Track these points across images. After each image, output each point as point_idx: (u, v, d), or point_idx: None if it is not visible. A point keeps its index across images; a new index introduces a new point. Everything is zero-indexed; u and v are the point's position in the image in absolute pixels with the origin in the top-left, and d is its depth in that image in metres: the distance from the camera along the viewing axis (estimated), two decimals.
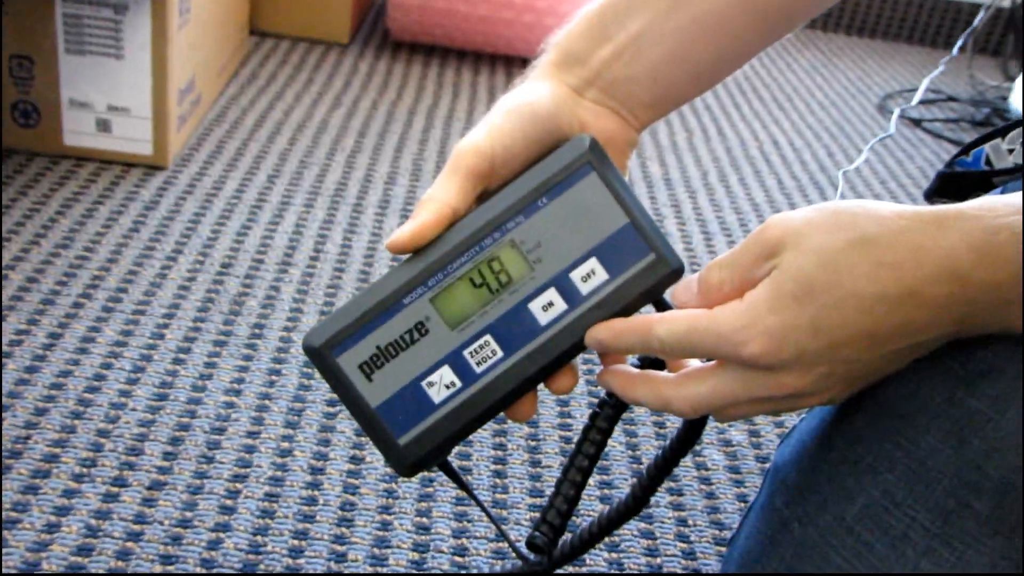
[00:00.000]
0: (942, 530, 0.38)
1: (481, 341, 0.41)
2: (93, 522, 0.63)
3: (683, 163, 1.31)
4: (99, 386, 0.75)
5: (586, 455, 0.44)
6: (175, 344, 0.81)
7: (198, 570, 0.60)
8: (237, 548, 0.62)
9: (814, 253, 0.36)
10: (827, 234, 0.36)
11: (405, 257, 0.42)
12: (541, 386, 0.43)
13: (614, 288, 0.41)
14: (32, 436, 0.69)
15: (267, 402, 0.76)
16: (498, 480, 0.72)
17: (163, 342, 0.81)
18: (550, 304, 0.41)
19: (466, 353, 0.41)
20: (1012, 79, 1.79)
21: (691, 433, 0.45)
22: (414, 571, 0.63)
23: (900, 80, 1.81)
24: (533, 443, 0.76)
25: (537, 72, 0.46)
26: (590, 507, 0.70)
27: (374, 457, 0.72)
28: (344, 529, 0.65)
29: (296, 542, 0.64)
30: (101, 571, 0.59)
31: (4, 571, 0.58)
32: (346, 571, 0.62)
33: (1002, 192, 0.47)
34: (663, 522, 0.70)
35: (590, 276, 0.41)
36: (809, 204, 0.39)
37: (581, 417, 0.80)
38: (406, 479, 0.70)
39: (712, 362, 0.39)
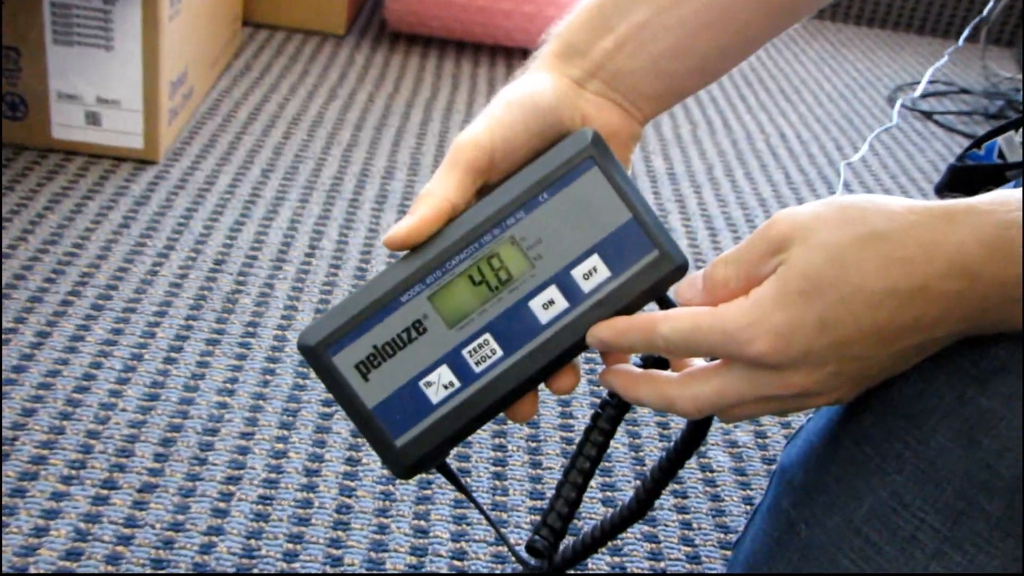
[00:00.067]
0: (952, 532, 0.38)
1: (480, 340, 0.41)
2: (82, 525, 0.63)
3: (688, 157, 1.31)
4: (88, 386, 0.75)
5: (588, 457, 0.44)
6: (167, 343, 0.81)
7: (190, 574, 0.61)
8: (230, 552, 0.63)
9: (822, 249, 0.36)
10: (835, 229, 0.37)
11: (402, 254, 0.42)
12: (542, 386, 0.43)
13: (617, 285, 0.41)
14: (19, 437, 0.69)
15: (261, 402, 0.76)
16: (498, 482, 0.72)
17: (154, 341, 0.81)
18: (551, 302, 0.41)
19: (465, 352, 0.41)
20: None
21: (696, 434, 0.45)
22: (412, 575, 0.63)
23: (911, 72, 1.81)
24: (534, 444, 0.76)
25: (538, 64, 0.46)
26: (592, 510, 0.70)
27: (371, 459, 0.72)
28: (340, 532, 0.65)
29: (291, 546, 0.64)
30: (91, 575, 0.60)
31: None
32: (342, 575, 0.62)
33: (1015, 186, 0.47)
34: (667, 525, 0.70)
35: (592, 273, 0.41)
36: (817, 199, 0.39)
37: (583, 418, 0.80)
38: (403, 481, 0.70)
39: (717, 361, 0.39)
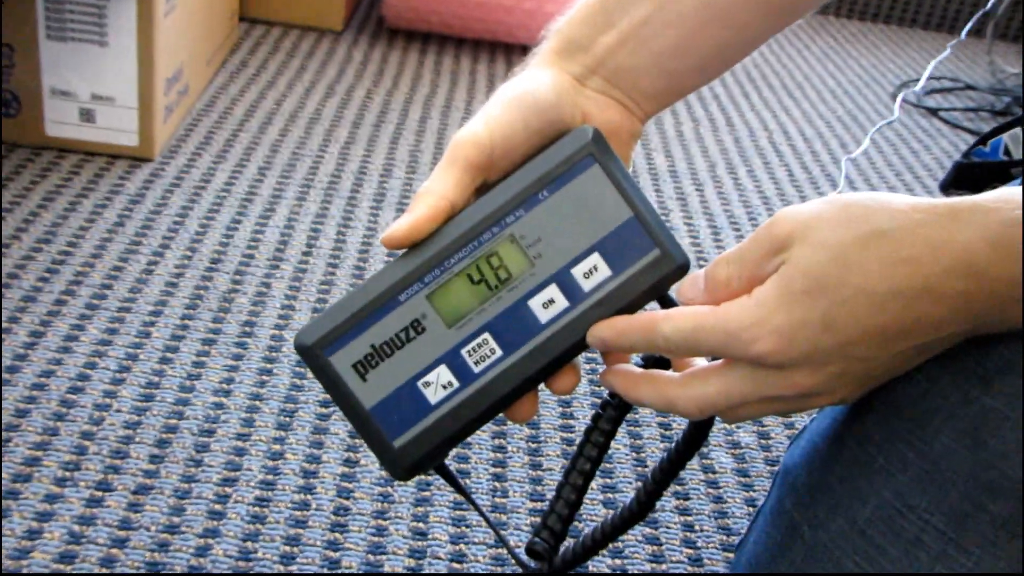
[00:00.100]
0: (957, 534, 0.38)
1: (479, 340, 0.41)
2: (76, 528, 0.63)
3: (689, 154, 1.31)
4: (83, 386, 0.75)
5: (588, 458, 0.44)
6: (162, 343, 0.81)
7: None
8: (227, 555, 0.63)
9: (825, 247, 0.36)
10: (839, 228, 0.37)
11: (401, 252, 0.42)
12: (542, 386, 0.43)
13: (617, 285, 0.41)
14: (13, 439, 0.69)
15: (258, 403, 0.76)
16: (497, 484, 0.72)
17: (149, 341, 0.81)
18: (551, 301, 0.41)
19: (464, 352, 0.41)
20: None
21: (697, 435, 0.45)
22: None
23: (916, 68, 1.81)
24: (534, 445, 0.76)
25: (538, 60, 0.46)
26: (592, 512, 0.70)
27: (368, 460, 0.72)
28: (338, 535, 0.65)
29: (288, 548, 0.64)
30: None
31: None
32: None
33: (1022, 183, 0.47)
34: (669, 527, 0.70)
35: (592, 272, 0.41)
36: (821, 197, 0.39)
37: (583, 418, 0.80)
38: (402, 483, 0.70)
39: (719, 361, 0.39)
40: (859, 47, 1.90)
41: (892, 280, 0.36)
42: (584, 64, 0.45)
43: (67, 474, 0.67)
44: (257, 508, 0.66)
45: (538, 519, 0.69)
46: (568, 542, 0.49)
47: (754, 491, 0.75)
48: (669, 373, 0.41)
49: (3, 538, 0.61)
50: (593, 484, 0.72)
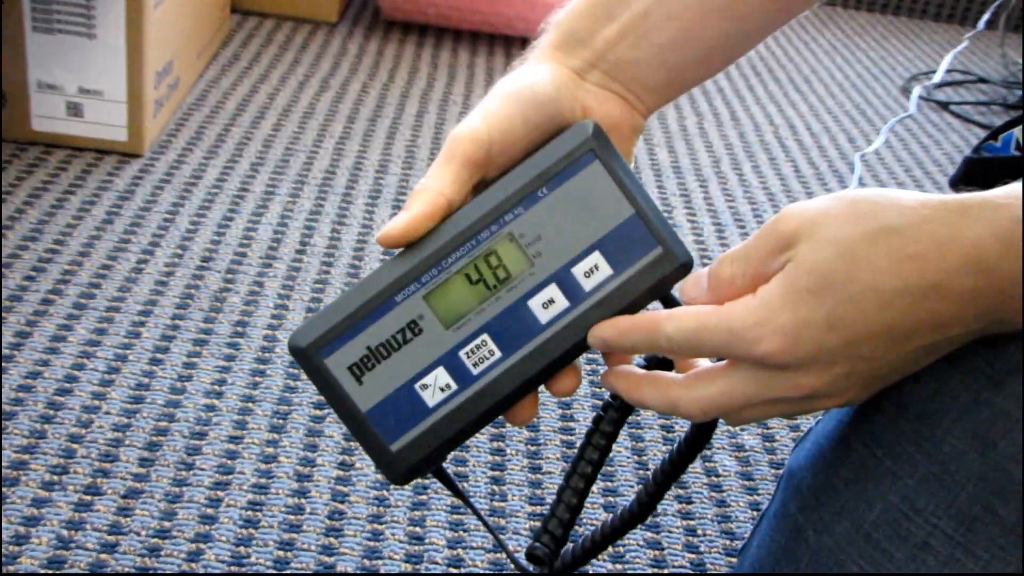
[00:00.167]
0: (965, 538, 0.38)
1: (478, 341, 0.41)
2: (65, 533, 0.63)
3: (693, 149, 1.32)
4: (71, 388, 0.75)
5: (589, 461, 0.44)
6: (152, 343, 0.81)
7: None
8: (219, 559, 0.63)
9: (831, 245, 0.36)
10: (845, 224, 0.37)
11: (397, 251, 0.42)
12: (542, 388, 0.43)
13: (619, 284, 0.41)
14: None
15: (250, 405, 0.76)
16: (496, 487, 0.72)
17: (139, 341, 0.81)
18: (551, 301, 0.41)
19: (462, 354, 0.41)
20: None
21: (700, 436, 0.45)
22: None
23: (926, 60, 1.81)
24: (533, 448, 0.76)
25: (537, 53, 0.46)
26: (593, 516, 0.71)
27: (364, 463, 0.72)
28: (332, 539, 0.66)
29: (281, 553, 0.64)
30: None
31: None
32: None
33: None
34: (671, 531, 0.70)
35: (593, 271, 0.41)
36: (828, 193, 0.39)
37: (584, 420, 0.80)
38: (398, 487, 0.70)
39: (723, 362, 0.40)
40: (868, 39, 1.90)
41: (900, 277, 0.36)
42: (584, 58, 0.45)
43: (55, 478, 0.67)
44: (250, 512, 0.67)
45: (538, 523, 0.69)
46: (568, 546, 0.49)
47: (758, 494, 0.75)
48: (672, 374, 0.41)
49: None
50: (594, 488, 0.72)
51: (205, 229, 0.98)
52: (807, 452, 0.46)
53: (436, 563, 0.65)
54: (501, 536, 0.68)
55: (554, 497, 0.45)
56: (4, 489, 0.66)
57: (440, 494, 0.70)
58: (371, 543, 0.66)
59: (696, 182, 1.22)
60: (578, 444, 0.66)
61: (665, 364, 0.44)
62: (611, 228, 0.41)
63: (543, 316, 0.41)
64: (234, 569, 0.62)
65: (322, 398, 0.65)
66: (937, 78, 1.63)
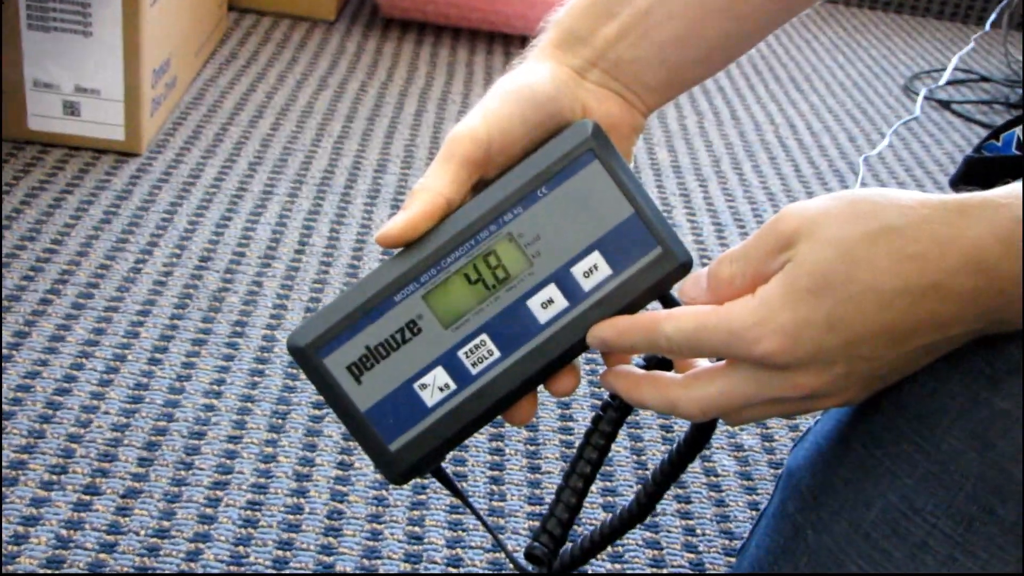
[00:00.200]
0: (964, 538, 0.38)
1: (477, 340, 0.42)
2: (64, 532, 0.63)
3: (693, 149, 1.32)
4: (69, 388, 0.75)
5: (588, 460, 0.44)
6: (150, 343, 0.81)
7: None
8: (218, 559, 0.63)
9: (831, 244, 0.37)
10: (845, 224, 0.37)
11: (396, 251, 0.42)
12: (541, 388, 0.44)
13: (618, 284, 0.42)
14: None
15: (249, 404, 0.76)
16: (495, 487, 0.72)
17: (138, 341, 0.81)
18: (550, 301, 0.42)
19: (461, 353, 0.42)
20: None
21: (699, 436, 0.45)
22: None
23: (928, 59, 1.81)
24: (532, 448, 0.76)
25: (536, 52, 0.46)
26: (592, 515, 0.71)
27: (363, 462, 0.72)
28: (331, 539, 0.66)
29: (280, 553, 0.64)
30: None
31: None
32: None
33: None
34: (670, 531, 0.70)
35: (592, 271, 0.42)
36: (828, 193, 0.39)
37: (583, 420, 0.80)
38: (397, 487, 0.70)
39: (722, 362, 0.40)
40: (869, 37, 1.91)
41: (899, 277, 0.36)
42: (584, 57, 0.45)
43: (54, 477, 0.67)
44: (249, 512, 0.67)
45: (536, 523, 0.69)
46: (567, 545, 0.49)
47: (757, 494, 0.75)
48: (671, 374, 0.41)
49: None
50: (593, 488, 0.72)
51: (203, 228, 0.98)
52: (806, 452, 0.46)
53: (435, 563, 0.65)
54: (500, 536, 0.68)
55: (553, 497, 0.45)
56: (3, 489, 0.66)
57: (439, 494, 0.70)
58: (370, 543, 0.66)
59: (696, 182, 1.22)
60: (577, 444, 0.66)
61: (664, 364, 0.45)
62: (610, 228, 0.42)
63: (542, 316, 0.42)
64: (233, 569, 0.63)
65: (321, 398, 0.65)
66: (943, 80, 1.63)
